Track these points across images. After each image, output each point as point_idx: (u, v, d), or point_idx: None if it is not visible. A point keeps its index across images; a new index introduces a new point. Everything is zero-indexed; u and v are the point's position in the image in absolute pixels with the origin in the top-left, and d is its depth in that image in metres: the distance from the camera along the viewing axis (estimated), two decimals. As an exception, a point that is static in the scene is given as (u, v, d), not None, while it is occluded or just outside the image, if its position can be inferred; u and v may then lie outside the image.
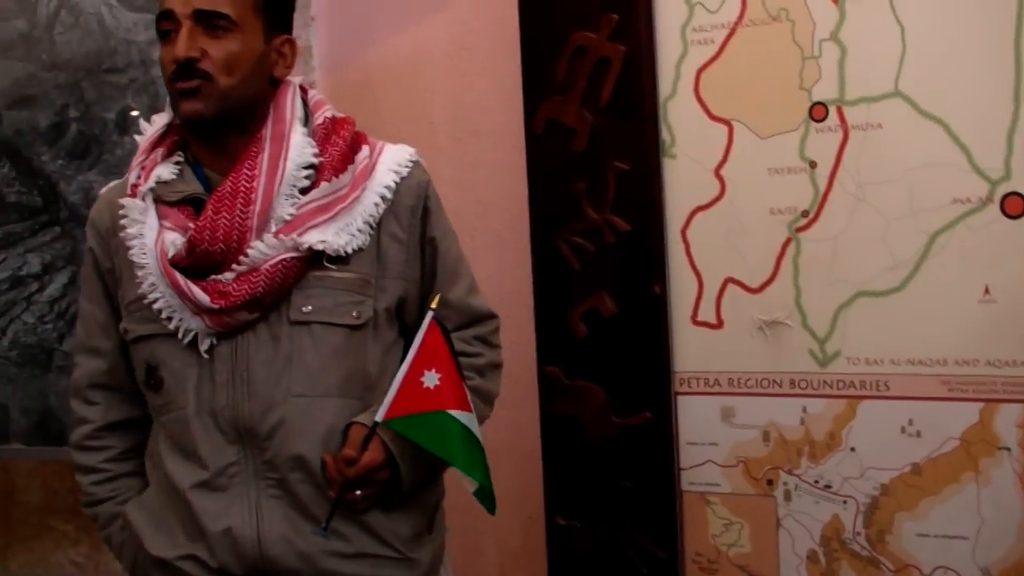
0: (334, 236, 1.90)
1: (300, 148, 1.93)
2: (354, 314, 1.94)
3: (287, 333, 1.91)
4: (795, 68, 2.42)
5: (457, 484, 1.98)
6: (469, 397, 1.87)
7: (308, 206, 1.90)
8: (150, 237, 1.93)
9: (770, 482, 2.50)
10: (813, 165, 2.40)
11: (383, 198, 1.97)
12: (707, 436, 2.55)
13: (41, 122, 2.92)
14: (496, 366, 2.14)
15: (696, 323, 2.55)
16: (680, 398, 2.57)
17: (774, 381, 2.48)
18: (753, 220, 2.48)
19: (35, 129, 2.92)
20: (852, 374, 2.40)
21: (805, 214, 2.42)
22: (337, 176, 1.93)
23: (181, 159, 2.00)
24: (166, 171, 1.96)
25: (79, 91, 2.89)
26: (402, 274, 2.01)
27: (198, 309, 1.88)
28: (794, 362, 2.45)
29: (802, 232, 2.42)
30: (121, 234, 1.97)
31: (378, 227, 1.97)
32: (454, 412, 1.83)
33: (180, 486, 1.94)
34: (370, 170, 1.98)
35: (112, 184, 2.13)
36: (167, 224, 1.93)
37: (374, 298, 1.97)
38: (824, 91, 2.40)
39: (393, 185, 1.98)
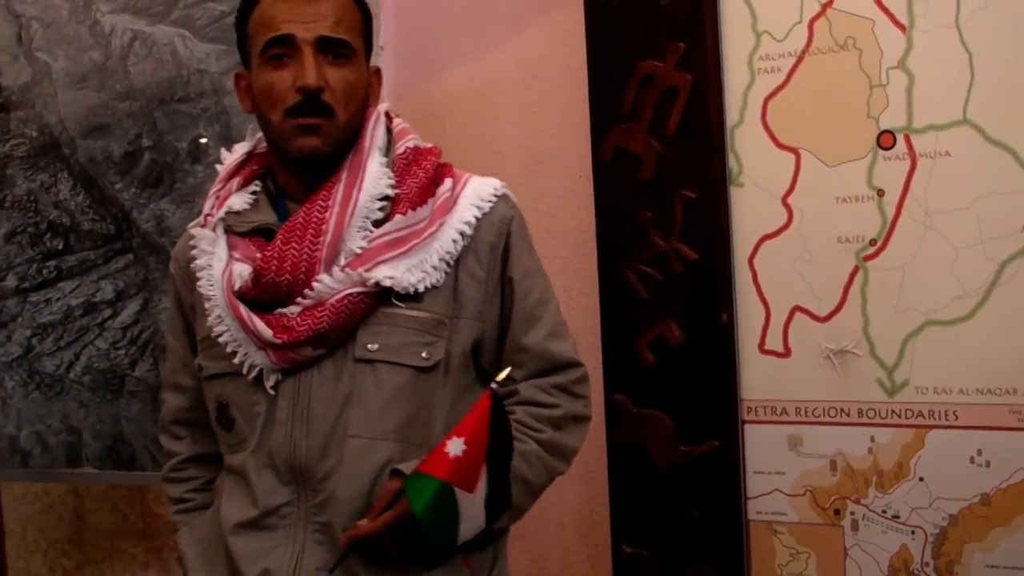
0: (405, 273, 1.88)
1: (375, 178, 1.92)
2: (423, 355, 1.92)
3: (350, 371, 1.90)
4: (863, 96, 2.50)
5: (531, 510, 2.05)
6: (485, 479, 1.79)
7: (380, 240, 1.89)
8: (218, 268, 1.96)
9: (837, 512, 2.55)
10: (881, 193, 2.49)
11: (462, 234, 1.94)
12: (774, 465, 2.61)
13: (115, 151, 3.07)
14: (578, 419, 2.05)
15: (763, 351, 2.62)
16: (747, 426, 2.63)
17: (842, 410, 2.54)
18: (820, 248, 2.55)
19: (109, 158, 3.07)
20: (920, 403, 2.46)
21: (873, 242, 2.50)
22: (414, 209, 1.91)
23: (258, 188, 2.03)
24: (239, 201, 1.99)
25: (152, 120, 3.03)
26: (479, 315, 1.98)
27: (262, 343, 1.89)
28: (862, 391, 2.51)
29: (870, 260, 2.50)
30: (191, 265, 2.02)
31: (456, 264, 1.95)
32: (459, 493, 1.77)
33: (225, 523, 1.97)
34: (451, 204, 1.96)
35: (197, 221, 2.13)
36: (236, 255, 1.96)
37: (447, 339, 1.94)
38: (892, 119, 2.48)
39: (474, 220, 1.96)
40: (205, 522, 2.09)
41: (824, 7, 2.56)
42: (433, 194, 1.96)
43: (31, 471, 3.23)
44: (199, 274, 1.99)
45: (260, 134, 2.07)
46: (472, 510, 1.82)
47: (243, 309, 1.90)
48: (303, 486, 1.92)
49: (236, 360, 1.93)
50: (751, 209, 2.64)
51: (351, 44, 1.92)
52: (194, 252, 2.03)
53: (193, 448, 2.18)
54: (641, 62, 2.70)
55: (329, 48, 1.90)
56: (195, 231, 2.04)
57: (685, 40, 2.65)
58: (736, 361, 2.65)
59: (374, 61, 2.10)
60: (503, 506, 1.89)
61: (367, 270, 1.87)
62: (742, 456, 2.65)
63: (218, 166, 2.11)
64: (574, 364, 2.06)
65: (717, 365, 2.64)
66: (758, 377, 2.64)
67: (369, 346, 1.91)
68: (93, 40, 3.12)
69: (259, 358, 1.91)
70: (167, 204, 3.07)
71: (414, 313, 1.92)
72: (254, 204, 2.01)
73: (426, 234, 1.92)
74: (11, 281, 3.20)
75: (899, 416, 2.50)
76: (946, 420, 2.45)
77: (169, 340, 2.21)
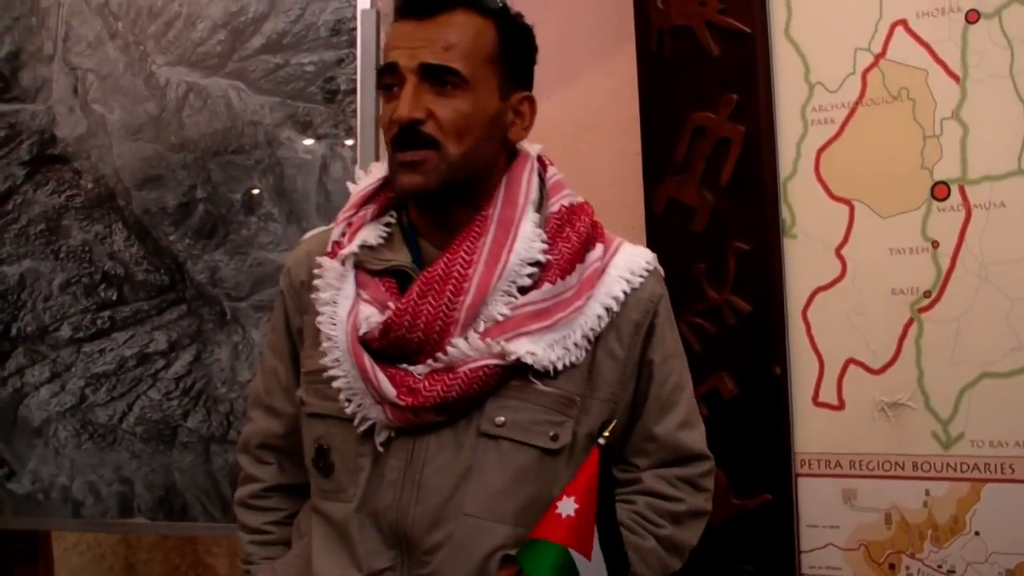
0: (546, 349, 1.78)
1: (528, 241, 1.81)
2: (551, 435, 1.82)
3: (472, 444, 1.80)
4: (916, 147, 2.57)
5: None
6: (597, 543, 1.69)
7: (524, 308, 1.79)
8: (343, 307, 1.83)
9: (892, 566, 2.58)
10: (935, 245, 2.54)
11: (608, 310, 1.84)
12: (828, 519, 2.64)
13: (169, 202, 3.15)
14: (699, 514, 1.97)
15: (817, 404, 2.67)
16: (801, 480, 2.67)
17: (896, 463, 2.57)
18: (875, 300, 2.60)
19: (163, 209, 3.15)
20: (976, 456, 2.49)
21: (927, 294, 2.55)
22: (563, 278, 1.81)
23: (392, 221, 1.91)
24: (373, 235, 1.87)
25: (206, 172, 3.11)
26: (612, 396, 1.88)
27: (381, 399, 1.78)
28: (917, 444, 2.55)
29: (924, 312, 2.55)
30: (313, 295, 1.89)
31: (596, 340, 1.85)
32: (573, 552, 1.67)
33: None
34: (599, 274, 1.86)
35: (314, 232, 2.07)
36: (364, 296, 1.84)
37: (576, 420, 1.84)
38: (946, 170, 2.54)
39: (622, 296, 1.86)
40: (287, 567, 1.98)
41: (877, 58, 2.63)
42: (583, 260, 1.85)
43: (83, 521, 3.27)
44: (321, 308, 1.86)
45: None
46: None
47: (368, 361, 1.78)
48: (407, 553, 1.82)
49: (349, 409, 1.82)
50: (805, 261, 2.70)
51: (461, 72, 1.78)
52: (317, 283, 1.89)
53: (280, 477, 2.06)
54: (694, 113, 2.77)
55: (435, 76, 1.78)
56: (322, 260, 1.89)
57: (738, 91, 2.72)
58: (790, 414, 2.69)
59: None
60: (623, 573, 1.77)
61: (508, 341, 1.77)
62: (796, 510, 2.68)
63: (350, 185, 2.00)
64: (703, 457, 1.97)
65: (770, 418, 2.68)
66: (812, 430, 2.68)
67: (496, 420, 1.80)
68: (148, 92, 3.21)
69: (374, 412, 1.80)
70: (221, 255, 3.12)
71: (547, 389, 1.82)
72: (388, 239, 1.89)
73: (572, 308, 1.81)
74: (65, 331, 3.26)
75: (954, 469, 2.53)
76: (1002, 474, 2.48)
77: (268, 358, 2.07)
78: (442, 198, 1.83)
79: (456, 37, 1.80)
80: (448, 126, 1.77)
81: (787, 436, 2.69)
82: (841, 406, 2.66)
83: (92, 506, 3.22)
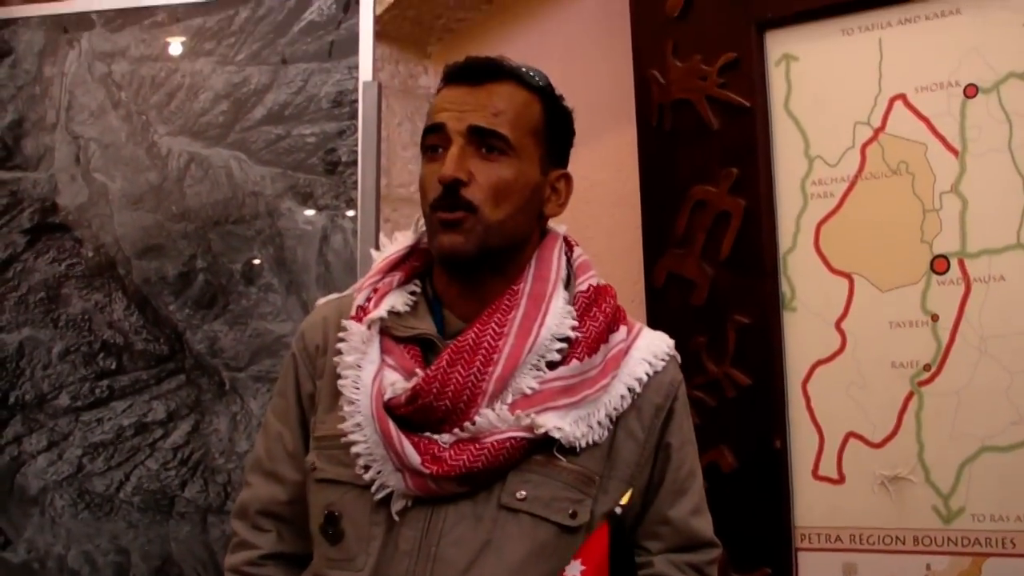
0: (572, 425, 1.78)
1: (560, 317, 1.83)
2: (570, 512, 1.80)
3: (492, 516, 1.78)
4: (916, 220, 2.59)
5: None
6: None
7: (553, 383, 1.79)
8: (368, 372, 1.82)
9: None
10: (935, 318, 2.55)
11: (631, 391, 1.85)
12: None
13: (169, 272, 3.17)
14: None
15: (817, 478, 2.67)
16: (801, 554, 2.67)
17: (897, 538, 2.56)
18: (875, 374, 2.61)
19: (163, 278, 3.17)
20: (977, 531, 2.48)
21: (927, 368, 2.56)
22: (590, 356, 1.82)
23: (417, 290, 1.93)
24: (400, 301, 1.88)
25: (207, 242, 3.14)
26: (629, 477, 1.87)
27: (402, 466, 1.76)
28: (917, 518, 2.54)
29: (924, 386, 2.56)
30: (336, 358, 1.88)
31: (616, 421, 1.85)
32: None
33: None
34: (623, 355, 1.87)
35: (329, 298, 2.06)
36: (389, 361, 1.84)
37: (594, 499, 1.83)
38: (946, 244, 2.55)
39: (645, 378, 1.87)
40: None
41: (876, 132, 2.67)
42: (607, 340, 1.87)
43: (78, 592, 3.27)
44: (345, 372, 1.84)
45: (424, 227, 1.96)
46: None
47: (392, 426, 1.76)
48: None
49: (366, 476, 1.79)
50: (804, 334, 2.72)
51: (508, 138, 1.81)
52: (341, 346, 1.87)
53: (278, 545, 1.99)
54: (694, 187, 2.81)
55: (482, 140, 1.81)
56: (349, 324, 1.88)
57: (738, 165, 2.76)
58: (790, 488, 2.70)
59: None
60: None
61: (536, 414, 1.77)
62: (796, 584, 2.66)
63: (374, 252, 2.01)
64: (713, 544, 1.97)
65: (770, 492, 2.69)
66: (812, 504, 2.68)
67: (518, 494, 1.79)
68: (150, 162, 3.25)
69: (393, 480, 1.78)
70: (220, 325, 3.14)
71: (569, 466, 1.81)
72: (413, 307, 1.90)
73: (598, 386, 1.82)
74: (64, 400, 3.26)
75: (955, 544, 2.52)
76: (1003, 548, 2.48)
77: (273, 423, 2.03)
78: (477, 265, 1.84)
79: (505, 105, 1.84)
80: (488, 191, 1.80)
81: (787, 510, 2.69)
82: (841, 480, 2.67)
83: (88, 576, 3.19)
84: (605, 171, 3.09)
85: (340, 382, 1.84)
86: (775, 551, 2.68)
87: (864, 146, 2.69)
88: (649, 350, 1.91)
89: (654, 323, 2.79)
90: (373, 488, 1.79)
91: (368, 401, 1.79)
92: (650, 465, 1.91)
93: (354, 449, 1.80)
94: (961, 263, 2.57)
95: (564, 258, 1.94)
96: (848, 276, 2.69)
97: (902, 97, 2.66)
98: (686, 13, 2.90)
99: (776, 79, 2.81)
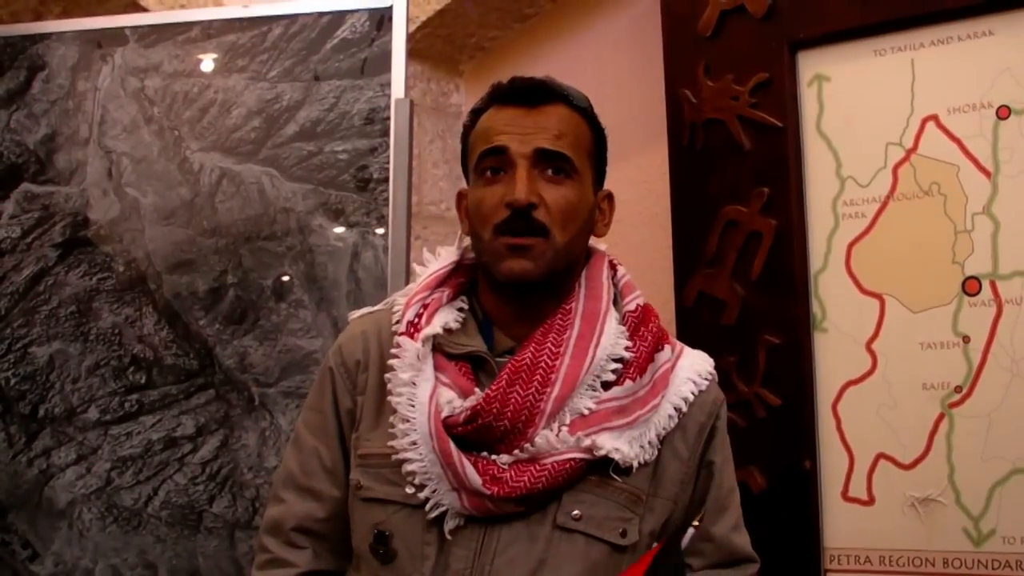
0: (628, 445, 1.81)
1: (614, 337, 1.85)
2: (621, 531, 1.83)
3: (547, 536, 1.79)
4: (948, 242, 2.61)
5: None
6: None
7: (608, 404, 1.82)
8: (424, 390, 1.82)
9: None
10: (966, 340, 2.57)
11: (678, 410, 1.88)
12: None
13: (200, 287, 3.20)
14: None
15: (847, 499, 2.68)
16: (830, 575, 2.69)
17: (927, 560, 2.58)
18: (905, 395, 2.63)
19: (194, 293, 3.21)
20: (1008, 554, 2.49)
21: (958, 389, 2.58)
22: (640, 376, 1.85)
23: (465, 306, 1.94)
24: (451, 318, 1.89)
25: (237, 257, 3.17)
26: (674, 496, 1.91)
27: (459, 485, 1.77)
28: (947, 541, 2.55)
29: (955, 408, 2.58)
30: (387, 375, 1.87)
31: (662, 440, 1.88)
32: None
33: None
34: (669, 375, 1.90)
35: (362, 312, 2.07)
36: (443, 379, 1.83)
37: (641, 518, 1.86)
38: (977, 265, 2.58)
39: (691, 397, 1.90)
40: None
41: (909, 153, 2.69)
42: (653, 360, 1.89)
43: (105, 606, 3.28)
44: (400, 390, 1.84)
45: (468, 243, 1.97)
46: None
47: (453, 447, 1.76)
48: None
49: (421, 495, 1.80)
50: (835, 355, 2.74)
51: (572, 160, 1.84)
52: (394, 363, 1.87)
53: (314, 563, 1.98)
54: (725, 207, 2.84)
55: (548, 162, 1.82)
56: (402, 340, 1.88)
57: (769, 185, 2.79)
58: (819, 509, 2.71)
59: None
60: None
61: (595, 435, 1.79)
62: (825, 606, 2.67)
63: (416, 267, 2.01)
64: (752, 560, 2.01)
65: (800, 513, 2.71)
66: (841, 525, 2.70)
67: (573, 513, 1.80)
68: (182, 177, 3.28)
69: (448, 499, 1.79)
70: (250, 341, 3.17)
71: (622, 486, 1.84)
72: (462, 324, 1.91)
73: (649, 406, 1.85)
74: (93, 413, 3.30)
75: (986, 567, 2.53)
76: None
77: (307, 438, 2.01)
78: (539, 287, 1.86)
79: (564, 127, 1.86)
80: (557, 214, 1.81)
81: (816, 531, 2.71)
82: (871, 501, 2.69)
83: (115, 591, 3.21)
84: (636, 190, 3.11)
85: (394, 400, 1.84)
86: (804, 572, 2.69)
87: (896, 167, 2.72)
88: (694, 370, 1.94)
89: (684, 342, 2.79)
90: (427, 507, 1.80)
91: (425, 420, 1.79)
92: (693, 483, 1.94)
93: (409, 467, 1.80)
94: (993, 285, 2.58)
95: (611, 278, 1.96)
96: (879, 297, 2.71)
97: (934, 118, 2.68)
98: (718, 33, 2.94)
99: (808, 99, 2.83)
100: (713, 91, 2.92)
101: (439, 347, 1.86)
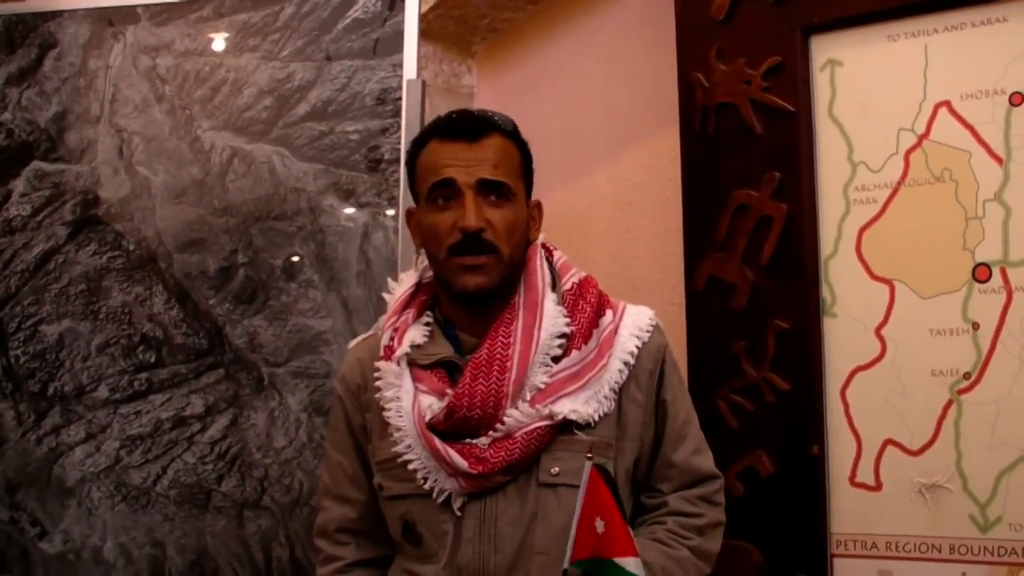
0: (583, 405, 2.09)
1: (553, 318, 2.14)
2: None
3: (535, 494, 2.09)
4: (958, 228, 2.64)
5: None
6: (638, 544, 1.85)
7: (560, 375, 2.11)
8: (407, 400, 2.14)
9: None
10: (976, 326, 2.60)
11: (626, 364, 2.15)
12: None
13: (210, 266, 3.24)
14: (717, 524, 2.23)
15: (854, 484, 2.71)
16: (836, 560, 2.71)
17: (933, 546, 2.61)
18: (914, 381, 2.66)
19: (204, 272, 3.24)
20: (1014, 540, 2.52)
21: (967, 376, 2.60)
22: (585, 343, 2.13)
23: (431, 320, 2.23)
24: (418, 334, 2.19)
25: (248, 237, 3.20)
26: (639, 436, 2.17)
27: (454, 472, 2.07)
28: (954, 527, 2.58)
29: (964, 394, 2.60)
30: (376, 395, 2.19)
31: (620, 391, 2.15)
32: (618, 560, 1.83)
33: None
34: (613, 335, 2.16)
35: (359, 340, 2.37)
36: (422, 388, 2.15)
37: (614, 460, 2.14)
38: (988, 252, 2.60)
39: (636, 351, 2.16)
40: None
41: (920, 139, 2.71)
42: (597, 325, 2.17)
43: (113, 584, 3.32)
44: (388, 405, 2.17)
45: (425, 264, 2.29)
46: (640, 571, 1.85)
47: (438, 441, 2.08)
48: None
49: (426, 486, 2.11)
50: (844, 340, 2.77)
51: (509, 185, 2.13)
52: (379, 384, 2.19)
53: (359, 553, 2.32)
54: (736, 191, 2.87)
55: (490, 190, 2.11)
56: (380, 364, 2.20)
57: (781, 170, 2.82)
58: (826, 494, 2.74)
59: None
60: None
61: (552, 403, 2.09)
62: (831, 590, 2.69)
63: (386, 296, 2.30)
64: (714, 476, 2.24)
65: (807, 497, 2.73)
66: (848, 510, 2.73)
67: (552, 471, 2.10)
68: (193, 156, 3.31)
69: (449, 484, 2.10)
70: (260, 320, 3.21)
71: (589, 438, 2.10)
72: (430, 336, 2.21)
73: (598, 367, 2.13)
74: (102, 392, 3.33)
75: (992, 553, 2.56)
76: None
77: (332, 454, 2.36)
78: (492, 294, 2.14)
79: (500, 157, 2.15)
80: (503, 232, 2.11)
81: (823, 516, 2.73)
82: (878, 487, 2.72)
83: (123, 568, 3.26)
84: (647, 173, 3.12)
85: (386, 414, 2.17)
86: (811, 557, 2.72)
87: (908, 152, 2.74)
88: (635, 325, 2.20)
89: (694, 326, 2.90)
90: (434, 494, 2.11)
91: (412, 425, 2.13)
92: (653, 421, 2.21)
93: (411, 466, 2.13)
94: (1003, 271, 2.61)
95: (546, 264, 2.24)
96: (889, 283, 2.74)
97: (947, 104, 2.70)
98: (731, 17, 2.96)
99: (820, 84, 2.86)
100: (725, 75, 2.95)
101: (414, 361, 2.17)
